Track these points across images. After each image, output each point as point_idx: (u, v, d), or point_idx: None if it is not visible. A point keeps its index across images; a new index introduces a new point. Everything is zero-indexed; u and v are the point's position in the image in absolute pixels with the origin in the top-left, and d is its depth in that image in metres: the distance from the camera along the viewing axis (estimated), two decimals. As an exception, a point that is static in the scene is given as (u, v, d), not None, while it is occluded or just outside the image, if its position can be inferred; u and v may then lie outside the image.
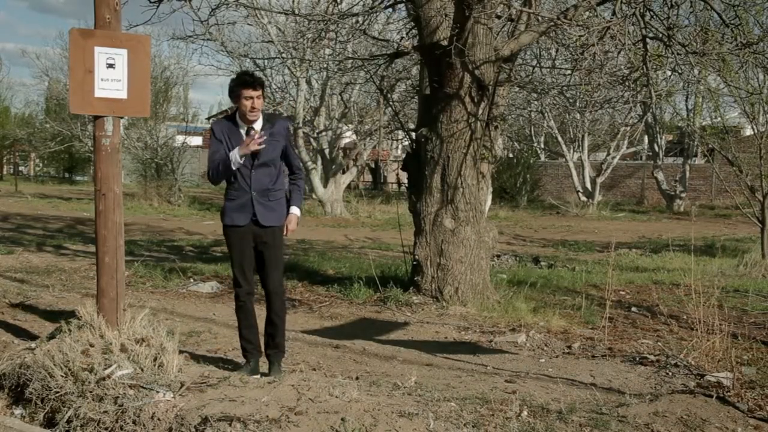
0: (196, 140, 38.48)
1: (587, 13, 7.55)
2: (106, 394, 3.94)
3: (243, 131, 4.68)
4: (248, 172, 4.67)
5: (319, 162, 23.36)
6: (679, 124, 27.67)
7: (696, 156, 30.50)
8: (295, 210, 4.87)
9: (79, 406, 3.91)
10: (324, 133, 21.95)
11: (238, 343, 5.82)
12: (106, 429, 3.80)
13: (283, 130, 4.79)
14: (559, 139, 26.61)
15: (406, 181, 8.68)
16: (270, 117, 4.80)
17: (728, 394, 4.43)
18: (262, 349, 4.99)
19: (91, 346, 4.29)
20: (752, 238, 14.51)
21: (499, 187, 26.44)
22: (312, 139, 22.17)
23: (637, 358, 5.64)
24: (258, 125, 4.69)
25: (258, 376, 4.71)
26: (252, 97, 4.60)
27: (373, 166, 34.86)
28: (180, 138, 27.26)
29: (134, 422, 3.75)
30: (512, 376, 5.11)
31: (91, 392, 3.96)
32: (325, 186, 21.79)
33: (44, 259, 10.32)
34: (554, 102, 13.13)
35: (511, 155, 29.69)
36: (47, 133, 31.01)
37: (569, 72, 9.49)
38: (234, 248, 4.79)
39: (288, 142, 4.84)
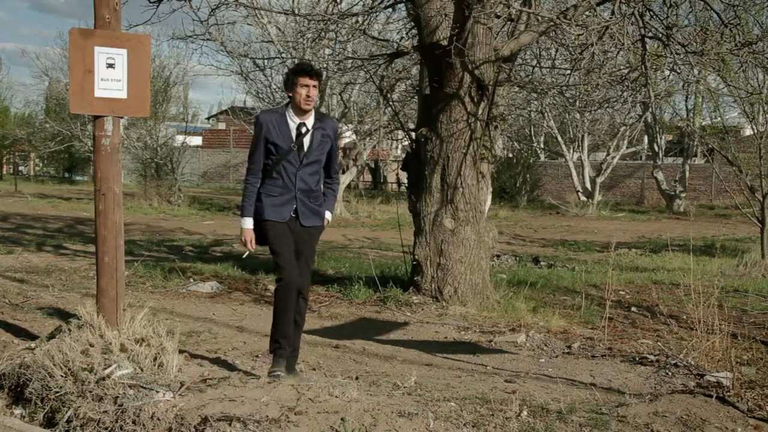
0: (196, 140, 38.53)
1: (587, 12, 7.55)
2: (105, 393, 3.94)
3: (294, 125, 4.50)
4: (294, 170, 4.51)
5: (319, 162, 23.33)
6: (679, 124, 27.67)
7: (696, 156, 30.49)
8: (327, 215, 4.77)
9: (79, 406, 3.91)
10: (324, 133, 21.92)
11: (237, 342, 5.85)
12: (105, 429, 3.80)
13: (332, 130, 4.66)
14: (559, 139, 26.59)
15: (406, 181, 8.68)
16: (321, 116, 4.65)
17: (728, 394, 4.43)
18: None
19: (91, 345, 4.29)
20: (752, 238, 14.51)
21: (499, 187, 26.44)
22: (312, 139, 22.13)
23: (637, 358, 5.64)
24: (310, 121, 4.54)
25: (283, 373, 4.50)
26: (308, 86, 4.46)
27: (373, 166, 34.83)
28: (180, 138, 27.26)
29: (134, 422, 3.75)
30: (512, 376, 5.11)
31: (90, 392, 3.96)
32: (325, 186, 21.78)
33: (44, 259, 10.32)
34: (554, 102, 13.14)
35: (511, 155, 29.67)
36: (47, 133, 30.95)
37: (569, 72, 9.49)
38: (277, 238, 4.55)
39: (335, 144, 4.72)
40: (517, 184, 28.19)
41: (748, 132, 19.52)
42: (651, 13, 8.00)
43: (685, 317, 6.82)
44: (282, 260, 4.56)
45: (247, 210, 4.59)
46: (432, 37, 7.70)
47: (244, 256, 4.55)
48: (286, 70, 20.31)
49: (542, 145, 31.33)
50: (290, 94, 4.52)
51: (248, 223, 4.59)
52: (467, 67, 7.39)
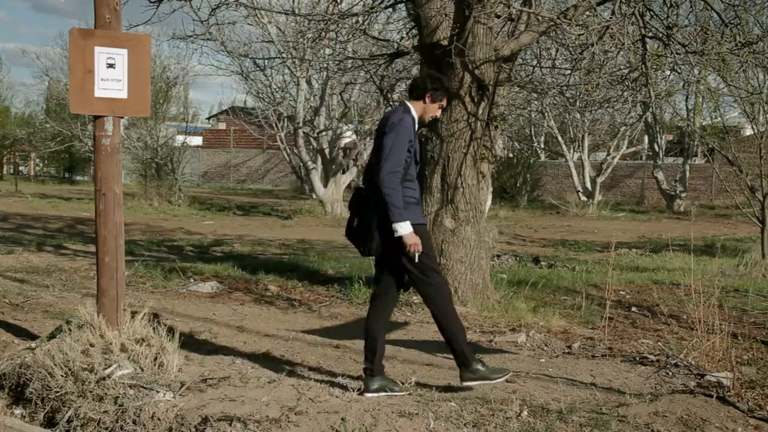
0: (197, 140, 38.52)
1: (587, 12, 7.55)
2: (106, 393, 3.94)
3: (416, 127, 4.51)
4: (416, 172, 4.52)
5: (319, 162, 23.36)
6: (679, 124, 27.66)
7: (696, 156, 30.48)
8: None
9: (80, 406, 3.91)
10: (324, 133, 21.95)
11: (238, 343, 5.85)
12: (106, 429, 3.80)
13: None
14: (559, 139, 26.58)
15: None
16: None
17: (728, 394, 4.43)
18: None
19: (91, 345, 4.29)
20: (752, 238, 14.51)
21: (499, 187, 26.42)
22: (312, 139, 22.18)
23: (637, 358, 5.64)
24: None
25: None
26: (443, 108, 4.63)
27: (373, 165, 34.80)
28: (180, 138, 27.26)
29: (134, 422, 3.75)
30: (512, 375, 5.10)
31: (91, 392, 3.96)
32: (325, 186, 21.80)
33: (44, 258, 10.32)
34: (554, 102, 13.11)
35: (511, 155, 29.65)
36: (47, 133, 30.96)
37: (569, 72, 9.49)
38: (429, 240, 4.51)
39: None
40: (518, 184, 28.17)
41: (748, 132, 19.50)
42: (651, 12, 7.99)
43: (685, 317, 6.82)
44: (435, 263, 4.51)
45: (406, 214, 4.30)
46: (432, 37, 7.70)
47: (417, 259, 4.42)
48: (286, 70, 19.95)
49: (542, 145, 31.32)
50: (425, 102, 4.47)
51: (410, 226, 4.30)
52: (467, 67, 7.39)
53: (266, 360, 5.28)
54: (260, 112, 24.54)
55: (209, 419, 3.62)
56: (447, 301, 4.54)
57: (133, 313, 4.60)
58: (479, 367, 4.51)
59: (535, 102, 14.70)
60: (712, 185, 29.47)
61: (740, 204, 12.78)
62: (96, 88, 4.46)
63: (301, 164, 23.17)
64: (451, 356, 5.67)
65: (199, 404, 3.79)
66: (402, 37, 9.69)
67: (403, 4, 9.20)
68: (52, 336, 4.64)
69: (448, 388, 4.58)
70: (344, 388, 4.31)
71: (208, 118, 50.87)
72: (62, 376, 4.07)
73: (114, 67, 4.50)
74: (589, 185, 26.59)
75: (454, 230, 7.62)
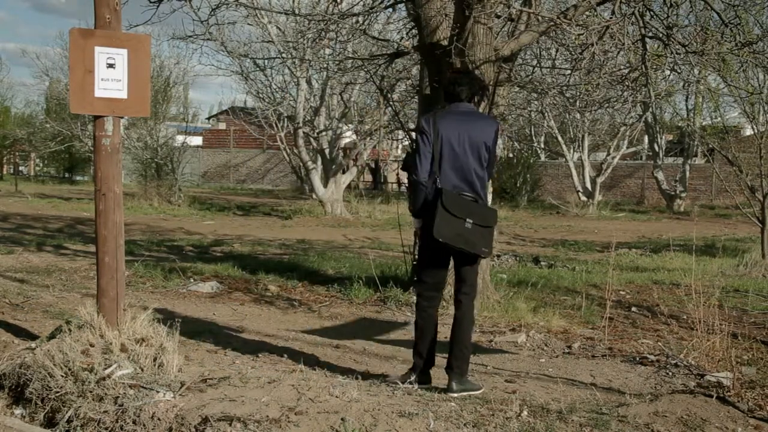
0: (197, 140, 38.51)
1: (587, 12, 7.55)
2: (106, 393, 3.94)
3: None
4: None
5: (319, 162, 23.37)
6: (679, 124, 27.67)
7: (696, 156, 30.49)
8: None
9: (79, 406, 3.91)
10: (324, 133, 21.94)
11: (238, 343, 5.85)
12: (106, 429, 3.80)
13: None
14: (559, 139, 26.58)
15: (406, 181, 8.69)
16: None
17: (728, 394, 4.43)
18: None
19: (91, 345, 4.29)
20: (752, 238, 14.51)
21: (499, 187, 26.41)
22: (312, 139, 22.18)
23: (637, 358, 5.64)
24: None
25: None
26: None
27: (373, 166, 34.83)
28: (180, 138, 27.25)
29: (134, 422, 3.75)
30: (512, 376, 5.11)
31: (91, 392, 3.96)
32: (325, 186, 21.80)
33: (44, 259, 10.32)
34: (554, 102, 13.11)
35: (511, 155, 29.65)
36: (47, 133, 30.96)
37: (569, 72, 9.49)
38: None
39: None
40: (518, 184, 28.18)
41: (748, 132, 19.51)
42: (651, 12, 7.99)
43: (685, 317, 6.82)
44: None
45: None
46: (432, 37, 7.69)
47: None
48: (286, 70, 20.04)
49: (542, 145, 31.33)
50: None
51: None
52: (467, 67, 7.38)
53: (266, 360, 5.29)
54: (260, 112, 24.55)
55: (209, 419, 3.62)
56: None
57: (134, 314, 4.60)
58: (470, 378, 4.65)
59: (535, 102, 14.70)
60: (712, 185, 29.48)
61: (740, 204, 12.78)
62: (96, 88, 4.46)
63: (301, 164, 23.18)
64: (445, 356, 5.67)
65: (199, 404, 3.79)
66: (402, 37, 9.69)
67: (403, 4, 9.19)
68: (52, 336, 4.64)
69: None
70: (344, 387, 4.30)
71: (208, 118, 50.87)
72: (62, 376, 4.07)
73: (114, 67, 4.50)
74: (589, 185, 26.59)
75: (454, 230, 7.61)
